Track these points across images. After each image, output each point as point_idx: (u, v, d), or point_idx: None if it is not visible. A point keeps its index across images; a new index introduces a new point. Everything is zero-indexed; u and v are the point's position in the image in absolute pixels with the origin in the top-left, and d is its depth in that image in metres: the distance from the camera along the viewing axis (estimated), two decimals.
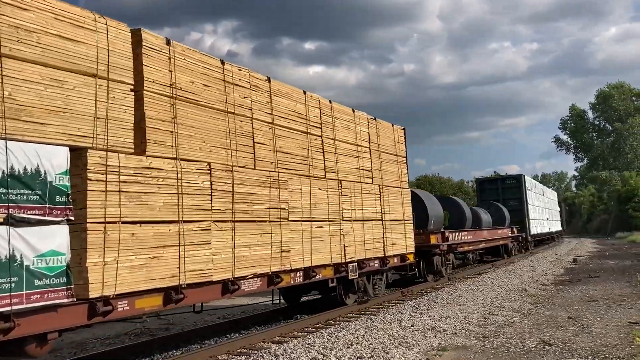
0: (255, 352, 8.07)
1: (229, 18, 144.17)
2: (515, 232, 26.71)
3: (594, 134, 77.97)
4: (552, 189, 58.95)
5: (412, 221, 13.98)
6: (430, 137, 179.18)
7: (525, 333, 8.85)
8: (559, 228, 45.72)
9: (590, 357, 7.19)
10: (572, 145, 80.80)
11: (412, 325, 9.58)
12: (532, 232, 29.97)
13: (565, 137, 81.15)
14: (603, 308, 11.03)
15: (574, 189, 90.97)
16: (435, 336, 8.78)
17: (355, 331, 9.16)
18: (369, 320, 10.20)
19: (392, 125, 13.60)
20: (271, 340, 8.89)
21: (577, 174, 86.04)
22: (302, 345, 8.25)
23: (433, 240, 16.09)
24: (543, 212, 35.79)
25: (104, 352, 8.64)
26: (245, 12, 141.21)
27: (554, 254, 28.13)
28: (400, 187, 13.54)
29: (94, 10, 6.20)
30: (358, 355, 7.57)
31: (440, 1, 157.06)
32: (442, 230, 17.13)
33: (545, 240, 38.53)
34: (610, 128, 75.08)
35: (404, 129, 14.14)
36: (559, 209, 47.98)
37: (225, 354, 8.03)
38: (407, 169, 14.24)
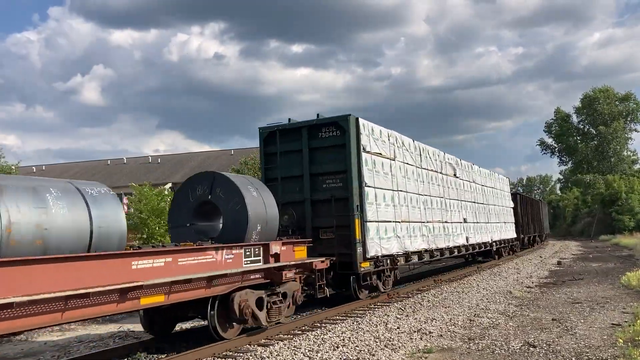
0: (241, 354, 8.04)
1: (216, 20, 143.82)
2: (292, 255, 10.25)
3: (578, 138, 78.77)
4: (537, 192, 55.57)
5: None
6: (417, 140, 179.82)
7: (510, 335, 8.92)
8: (512, 235, 28.57)
9: (574, 359, 7.26)
10: (556, 149, 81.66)
11: (398, 328, 9.62)
12: (371, 253, 12.50)
13: (550, 141, 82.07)
14: (587, 310, 11.14)
15: (558, 191, 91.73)
16: (421, 338, 8.82)
17: (342, 333, 9.17)
18: (355, 323, 10.21)
19: None
20: (257, 342, 8.86)
21: (561, 177, 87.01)
22: (289, 348, 8.24)
23: None
24: (452, 207, 18.92)
25: (88, 355, 8.53)
26: (233, 14, 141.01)
27: (538, 257, 28.34)
28: None
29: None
30: (344, 357, 7.58)
31: (427, 5, 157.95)
32: None
33: (477, 257, 24.00)
34: (595, 132, 75.89)
35: None
36: (512, 205, 29.90)
37: (210, 356, 7.99)
38: None
